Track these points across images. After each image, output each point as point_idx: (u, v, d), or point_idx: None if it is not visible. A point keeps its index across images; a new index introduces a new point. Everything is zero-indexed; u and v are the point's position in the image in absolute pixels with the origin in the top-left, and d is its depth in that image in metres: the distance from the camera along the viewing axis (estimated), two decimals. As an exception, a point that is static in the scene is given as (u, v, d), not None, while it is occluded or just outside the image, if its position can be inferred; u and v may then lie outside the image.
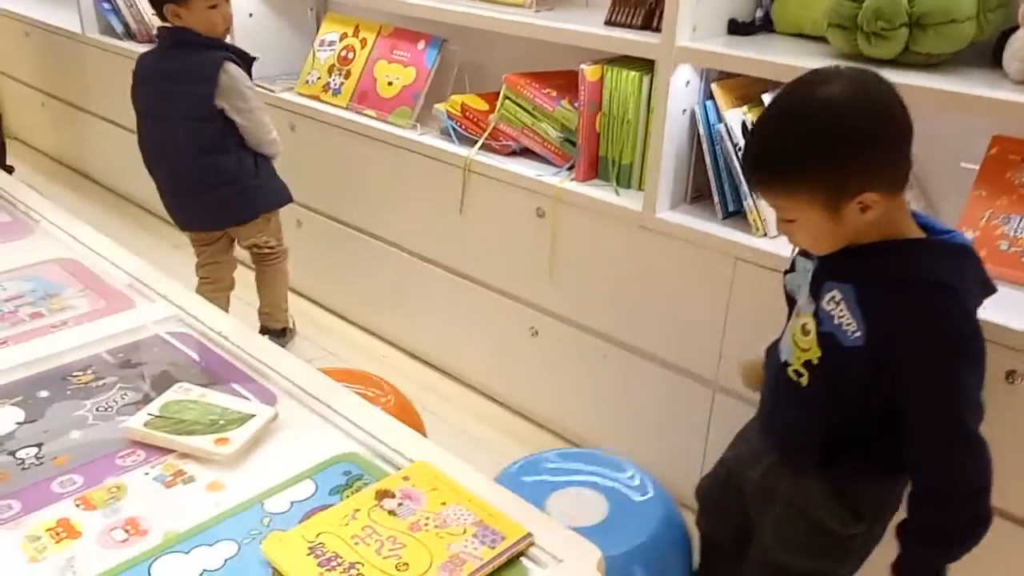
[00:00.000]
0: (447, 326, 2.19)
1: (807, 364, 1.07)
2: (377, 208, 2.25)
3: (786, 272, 1.17)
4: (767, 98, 1.51)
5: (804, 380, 1.08)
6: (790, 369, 1.10)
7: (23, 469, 0.95)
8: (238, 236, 2.17)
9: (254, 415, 1.04)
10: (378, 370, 2.23)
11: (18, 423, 1.02)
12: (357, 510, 0.88)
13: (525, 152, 1.96)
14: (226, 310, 2.21)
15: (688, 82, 1.58)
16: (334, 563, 0.81)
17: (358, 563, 0.81)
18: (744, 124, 1.55)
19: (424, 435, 1.76)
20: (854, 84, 0.96)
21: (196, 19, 1.93)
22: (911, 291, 0.97)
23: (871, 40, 1.37)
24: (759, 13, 1.67)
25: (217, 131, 1.96)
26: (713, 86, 1.58)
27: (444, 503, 0.90)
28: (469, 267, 2.07)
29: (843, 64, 1.02)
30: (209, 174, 1.99)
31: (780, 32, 1.66)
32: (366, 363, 2.28)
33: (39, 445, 0.99)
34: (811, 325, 1.05)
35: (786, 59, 1.43)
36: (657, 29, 1.60)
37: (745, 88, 1.61)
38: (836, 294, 1.01)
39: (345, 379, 1.72)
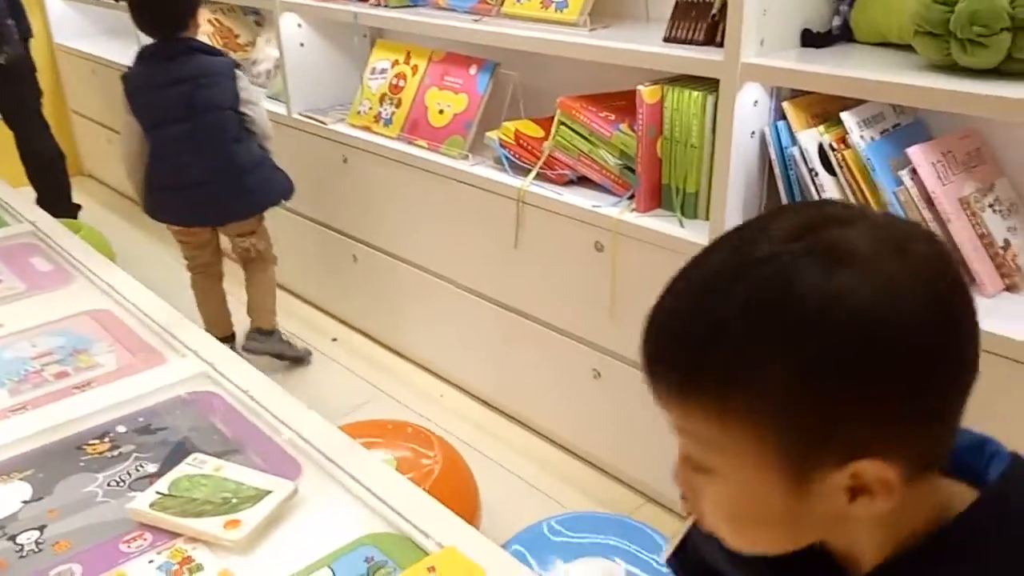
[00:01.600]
0: (505, 365, 2.07)
1: None
2: (430, 242, 2.16)
3: None
4: (847, 116, 1.34)
5: None
6: None
7: (21, 557, 0.88)
8: (238, 230, 2.24)
9: (271, 491, 0.95)
10: (433, 411, 2.15)
11: (24, 501, 0.96)
12: (372, 612, 0.77)
13: (583, 181, 1.83)
14: (223, 298, 2.37)
15: (756, 101, 1.43)
16: None
17: None
18: (821, 146, 1.39)
19: (477, 496, 1.65)
20: (882, 237, 0.50)
21: (197, 30, 2.15)
22: None
23: (967, 48, 1.20)
24: (836, 21, 1.50)
25: (237, 121, 2.10)
26: (785, 105, 1.42)
27: (470, 605, 0.78)
28: (526, 304, 1.95)
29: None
30: (243, 158, 2.12)
31: (861, 41, 1.48)
32: (422, 403, 2.19)
33: (41, 528, 0.92)
34: None
35: (865, 72, 1.26)
36: (720, 44, 1.45)
37: (823, 105, 1.45)
38: None
39: (394, 435, 1.62)
